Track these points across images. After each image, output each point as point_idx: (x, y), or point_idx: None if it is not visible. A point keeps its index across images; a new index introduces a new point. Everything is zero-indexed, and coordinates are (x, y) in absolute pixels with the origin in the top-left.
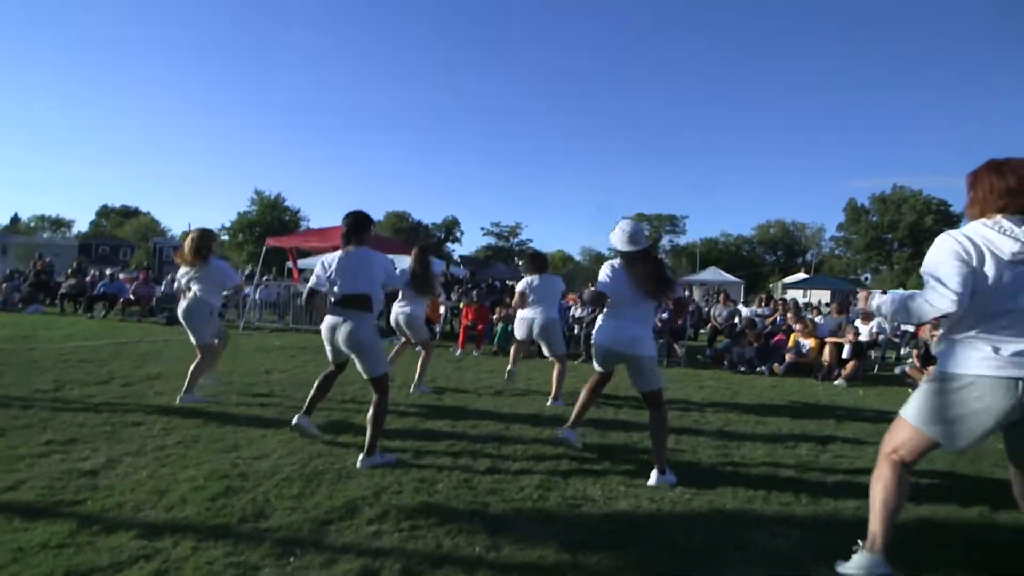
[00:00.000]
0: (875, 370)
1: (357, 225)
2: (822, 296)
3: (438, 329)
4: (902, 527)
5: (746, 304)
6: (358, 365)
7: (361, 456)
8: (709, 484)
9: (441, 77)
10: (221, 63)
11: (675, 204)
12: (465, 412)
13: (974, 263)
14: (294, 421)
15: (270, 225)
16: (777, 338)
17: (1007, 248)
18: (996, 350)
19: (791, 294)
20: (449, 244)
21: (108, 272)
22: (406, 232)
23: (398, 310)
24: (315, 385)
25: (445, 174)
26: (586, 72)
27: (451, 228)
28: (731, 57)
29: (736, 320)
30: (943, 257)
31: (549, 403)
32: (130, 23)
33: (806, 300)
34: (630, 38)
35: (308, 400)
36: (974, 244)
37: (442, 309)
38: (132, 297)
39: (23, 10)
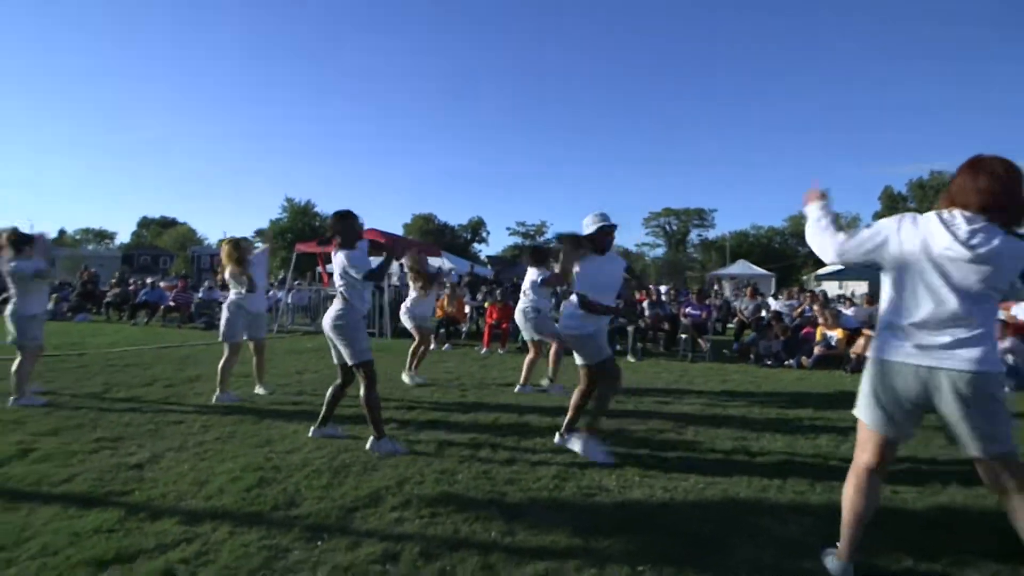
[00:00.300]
0: None
1: (332, 227)
2: (858, 287)
3: (464, 328)
4: (925, 514)
5: (776, 297)
6: (343, 354)
7: (371, 439)
8: (725, 473)
9: (465, 79)
10: (247, 72)
11: (703, 198)
12: (487, 407)
13: (902, 247)
14: (310, 434)
15: (301, 231)
16: (805, 331)
17: (940, 241)
18: (907, 337)
19: (826, 286)
20: (475, 244)
21: (149, 281)
22: (433, 234)
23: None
24: (326, 398)
25: (471, 175)
26: (610, 70)
27: (477, 228)
28: (758, 46)
29: (763, 313)
30: (879, 226)
31: (544, 382)
32: (162, 39)
33: (841, 291)
34: (653, 33)
35: (321, 414)
36: (916, 230)
37: (467, 309)
38: (172, 304)
39: (58, 30)
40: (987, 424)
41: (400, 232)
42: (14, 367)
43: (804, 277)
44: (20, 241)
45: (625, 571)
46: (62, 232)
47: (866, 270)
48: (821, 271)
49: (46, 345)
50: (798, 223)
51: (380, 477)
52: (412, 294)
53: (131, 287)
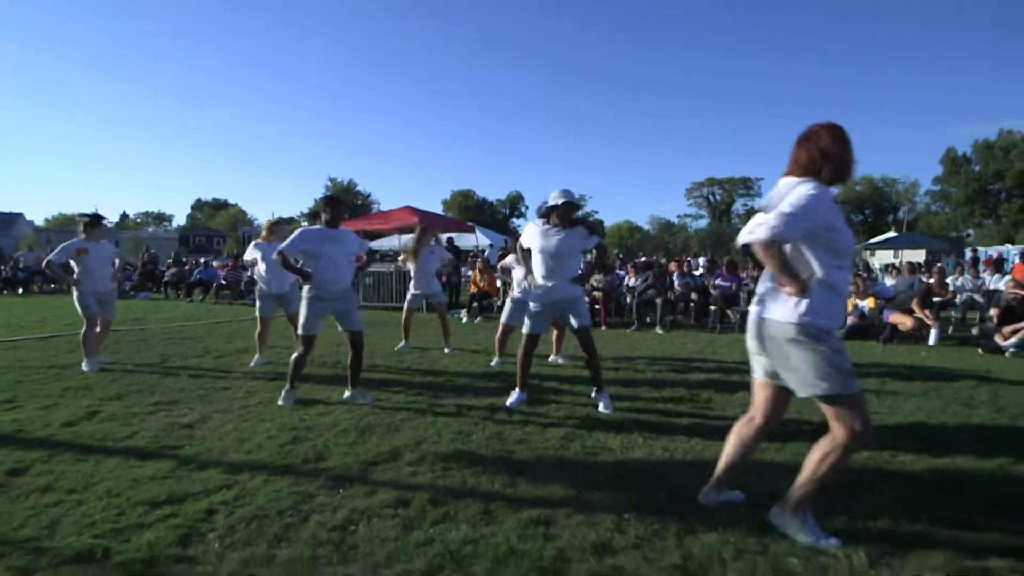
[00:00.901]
0: (949, 331)
1: (321, 208)
2: (917, 256)
3: (498, 303)
4: (920, 476)
5: None
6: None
7: (286, 388)
8: (723, 437)
9: (506, 56)
10: (286, 53)
11: (749, 166)
12: (509, 376)
13: None
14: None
15: None
16: None
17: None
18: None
19: (880, 255)
20: (514, 219)
21: (202, 261)
22: (472, 210)
23: None
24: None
25: (510, 149)
26: (648, 43)
27: (515, 203)
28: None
29: None
30: None
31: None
32: (212, 27)
33: (898, 260)
34: (694, 3)
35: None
36: None
37: (499, 283)
38: (223, 282)
39: (117, 21)
40: (786, 368)
41: (439, 209)
42: (80, 335)
43: (856, 246)
44: (88, 224)
45: (611, 518)
46: (124, 215)
47: (922, 238)
48: (872, 240)
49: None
50: (850, 189)
51: (401, 437)
52: (414, 276)
53: (186, 267)
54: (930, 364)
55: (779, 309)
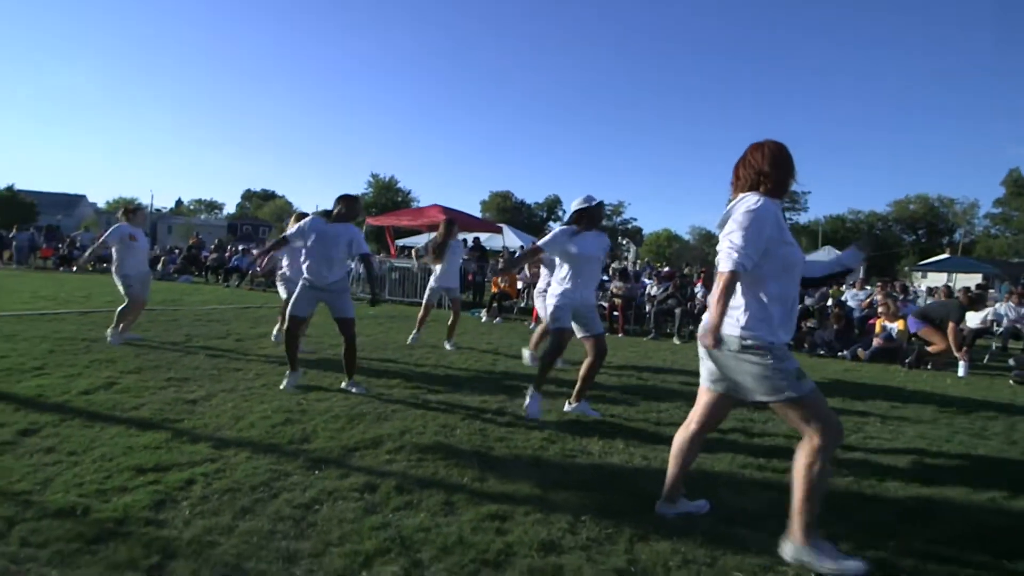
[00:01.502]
0: (985, 360)
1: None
2: (972, 280)
3: (521, 304)
4: (903, 503)
5: (852, 286)
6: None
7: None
8: (710, 450)
9: (545, 57)
10: (334, 52)
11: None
12: (512, 375)
13: None
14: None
15: (384, 206)
16: (871, 321)
17: None
18: None
19: (932, 277)
20: (551, 223)
21: (240, 248)
22: (509, 211)
23: None
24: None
25: (550, 153)
26: (694, 51)
27: (553, 207)
28: (857, 10)
29: (831, 302)
30: None
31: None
32: (268, 25)
33: (950, 283)
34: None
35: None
36: None
37: (520, 284)
38: (259, 269)
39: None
40: (735, 377)
41: (477, 209)
42: (118, 309)
43: (907, 268)
44: (131, 210)
45: (568, 519)
46: (179, 203)
47: (975, 261)
48: (923, 262)
49: (149, 300)
50: (903, 208)
51: (388, 426)
52: (435, 269)
53: (227, 253)
54: (953, 392)
55: (725, 321)
